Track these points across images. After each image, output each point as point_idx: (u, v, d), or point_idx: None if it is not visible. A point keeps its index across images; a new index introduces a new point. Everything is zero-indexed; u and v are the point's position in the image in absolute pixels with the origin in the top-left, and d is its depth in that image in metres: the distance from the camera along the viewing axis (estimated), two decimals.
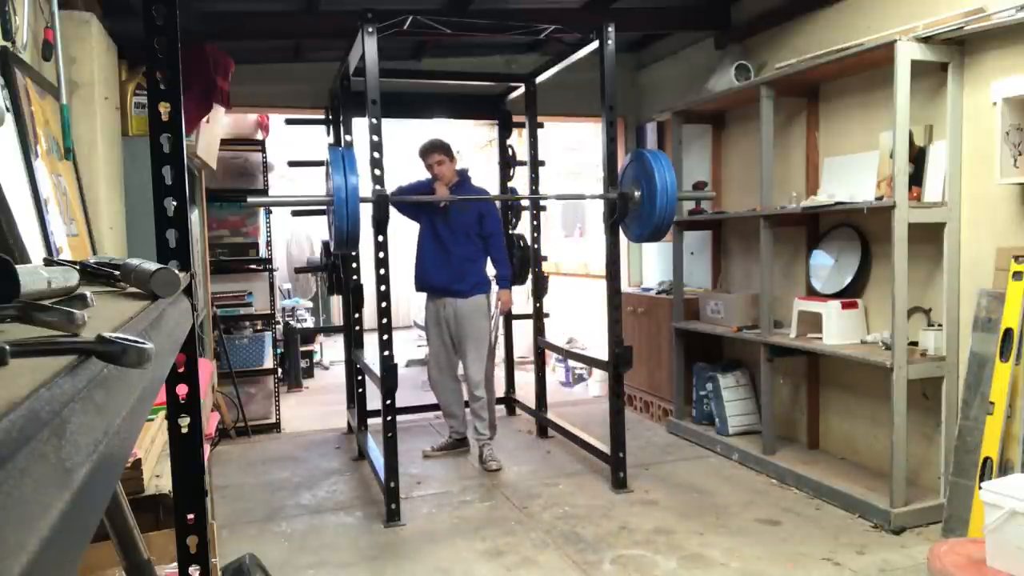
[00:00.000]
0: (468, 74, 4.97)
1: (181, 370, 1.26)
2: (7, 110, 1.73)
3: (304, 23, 4.16)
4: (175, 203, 1.20)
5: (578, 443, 4.19)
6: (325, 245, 4.81)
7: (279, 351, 5.68)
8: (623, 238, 4.06)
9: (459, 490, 3.74)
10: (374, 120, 3.22)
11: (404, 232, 8.14)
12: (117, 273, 0.92)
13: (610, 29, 3.56)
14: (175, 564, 1.35)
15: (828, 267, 3.78)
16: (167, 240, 1.20)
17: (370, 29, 3.20)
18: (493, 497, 3.64)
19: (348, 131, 4.47)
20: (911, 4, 3.26)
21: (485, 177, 5.27)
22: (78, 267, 0.88)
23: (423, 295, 4.21)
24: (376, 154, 3.25)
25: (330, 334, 8.43)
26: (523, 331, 5.58)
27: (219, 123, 4.29)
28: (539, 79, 4.65)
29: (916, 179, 3.17)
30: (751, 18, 4.35)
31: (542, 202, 5.07)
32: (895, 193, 2.99)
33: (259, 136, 5.30)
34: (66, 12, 2.48)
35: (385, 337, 3.30)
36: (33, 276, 0.65)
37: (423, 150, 4.11)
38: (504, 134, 5.15)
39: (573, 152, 8.38)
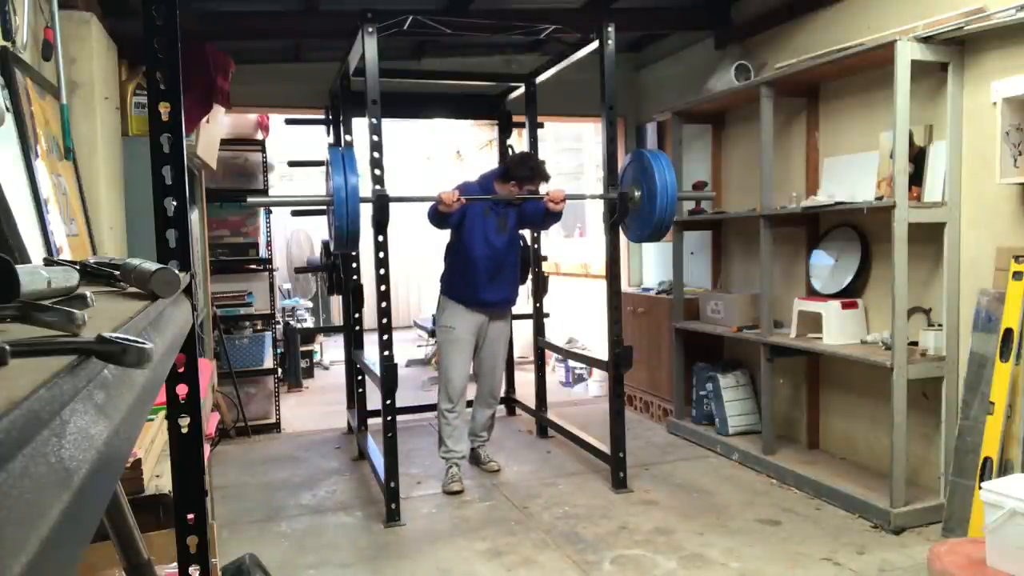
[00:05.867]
0: (468, 74, 4.97)
1: (181, 370, 1.26)
2: (7, 110, 1.73)
3: (304, 23, 4.16)
4: (175, 203, 1.20)
5: (578, 443, 4.19)
6: (325, 245, 4.81)
7: (279, 351, 5.68)
8: (623, 238, 4.06)
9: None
10: (374, 120, 3.22)
11: (404, 232, 8.17)
12: (117, 273, 0.92)
13: (610, 29, 3.56)
14: (175, 564, 1.35)
15: (828, 267, 3.78)
16: (167, 240, 1.20)
17: (370, 29, 3.20)
18: (493, 497, 3.64)
19: (348, 131, 4.47)
20: (911, 4, 3.26)
21: None
22: (78, 267, 0.88)
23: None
24: (376, 154, 3.25)
25: (330, 334, 8.42)
26: (523, 331, 5.58)
27: (219, 123, 4.30)
28: (539, 79, 4.65)
29: (916, 179, 3.17)
30: (751, 18, 4.35)
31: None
32: (895, 193, 2.99)
33: (259, 136, 5.29)
34: (66, 12, 2.48)
35: (385, 337, 3.30)
36: (33, 276, 0.65)
37: (533, 172, 3.64)
38: (504, 134, 5.15)
39: (573, 152, 8.38)
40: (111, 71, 2.94)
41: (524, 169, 3.66)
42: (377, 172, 3.27)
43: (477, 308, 3.80)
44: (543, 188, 3.77)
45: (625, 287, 5.47)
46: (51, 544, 0.30)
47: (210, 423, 2.83)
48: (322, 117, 4.95)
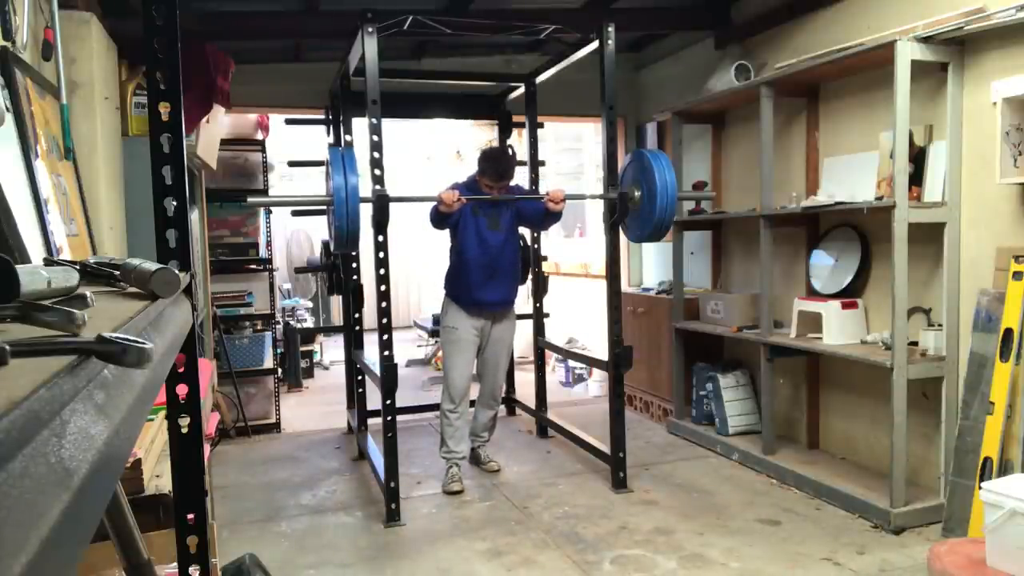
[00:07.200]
0: (468, 74, 4.96)
1: (181, 370, 1.26)
2: (7, 110, 1.73)
3: (304, 23, 4.16)
4: (175, 203, 1.20)
5: (578, 443, 4.19)
6: (325, 245, 4.81)
7: (279, 351, 5.68)
8: (623, 238, 4.06)
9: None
10: (374, 120, 3.22)
11: (404, 232, 8.17)
12: (117, 273, 0.92)
13: (610, 29, 3.56)
14: (175, 564, 1.35)
15: (828, 267, 3.78)
16: (167, 240, 1.20)
17: (370, 29, 3.20)
18: (493, 497, 3.64)
19: (348, 131, 4.47)
20: (911, 4, 3.26)
21: None
22: (78, 267, 0.88)
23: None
24: (376, 154, 3.25)
25: (330, 334, 8.42)
26: (523, 331, 5.58)
27: (219, 123, 4.30)
28: (539, 79, 4.64)
29: (916, 179, 3.17)
30: (751, 18, 4.35)
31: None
32: (895, 193, 2.99)
33: (259, 136, 5.29)
34: (66, 12, 2.48)
35: (385, 337, 3.30)
36: (33, 276, 0.65)
37: (506, 171, 3.66)
38: (504, 134, 5.15)
39: (573, 152, 8.38)
40: (111, 71, 2.94)
41: (482, 163, 3.69)
42: (377, 172, 3.27)
43: (475, 308, 3.79)
44: (543, 188, 3.76)
45: (625, 287, 5.47)
46: (51, 544, 0.30)
47: (210, 423, 2.83)
48: (322, 117, 4.95)
